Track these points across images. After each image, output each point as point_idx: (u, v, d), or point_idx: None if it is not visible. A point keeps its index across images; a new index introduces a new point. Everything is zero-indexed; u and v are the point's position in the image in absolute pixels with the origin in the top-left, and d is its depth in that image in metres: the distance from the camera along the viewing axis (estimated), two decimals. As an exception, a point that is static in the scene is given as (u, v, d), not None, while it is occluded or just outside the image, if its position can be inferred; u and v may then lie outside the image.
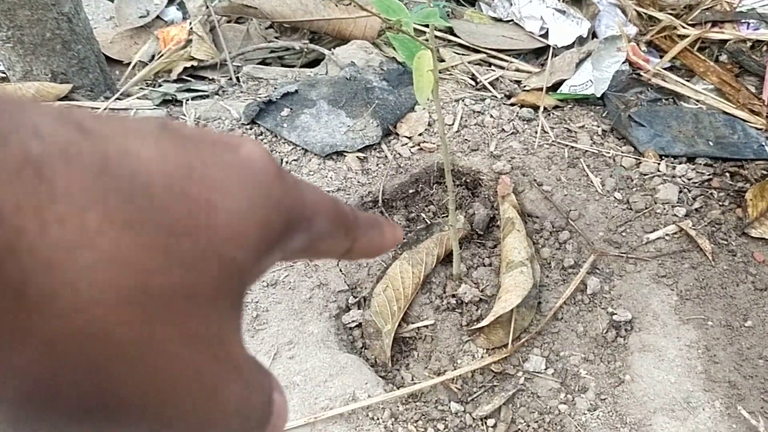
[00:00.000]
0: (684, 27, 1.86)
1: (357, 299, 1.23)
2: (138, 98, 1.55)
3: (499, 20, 1.87)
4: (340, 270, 1.26)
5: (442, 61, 1.71)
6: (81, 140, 0.13)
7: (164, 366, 0.14)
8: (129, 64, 1.81)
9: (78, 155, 0.12)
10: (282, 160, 1.42)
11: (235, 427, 0.17)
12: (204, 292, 0.14)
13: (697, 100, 1.63)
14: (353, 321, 1.20)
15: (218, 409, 0.16)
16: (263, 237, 0.16)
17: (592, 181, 1.38)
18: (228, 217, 0.15)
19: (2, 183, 0.11)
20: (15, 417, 0.12)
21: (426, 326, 1.21)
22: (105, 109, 1.46)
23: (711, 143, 1.47)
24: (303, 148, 1.44)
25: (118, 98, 1.53)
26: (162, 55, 1.77)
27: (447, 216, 1.31)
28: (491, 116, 1.52)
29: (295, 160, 1.43)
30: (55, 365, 0.12)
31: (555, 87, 1.62)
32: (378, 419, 1.05)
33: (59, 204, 0.12)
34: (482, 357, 1.15)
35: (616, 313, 1.18)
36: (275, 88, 1.59)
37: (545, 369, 1.13)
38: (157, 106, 1.52)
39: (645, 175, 1.40)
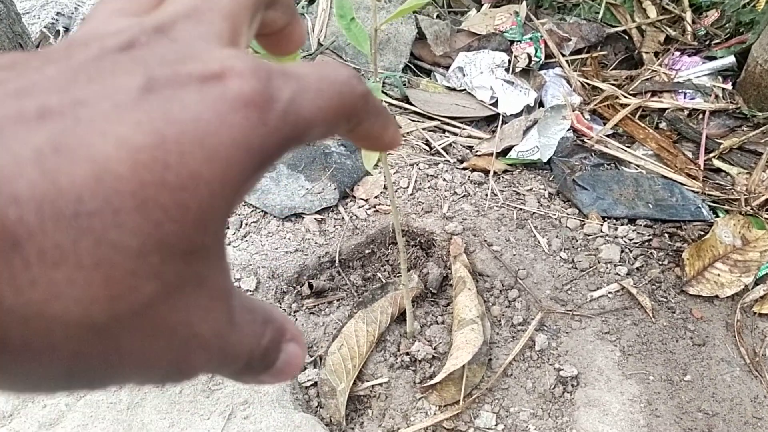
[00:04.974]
0: (625, 96, 1.98)
1: (313, 358, 1.26)
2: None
3: (453, 89, 1.97)
4: (297, 329, 1.29)
5: (399, 127, 1.79)
6: (54, 184, 0.14)
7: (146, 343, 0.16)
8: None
9: (52, 207, 0.14)
10: (242, 222, 1.46)
11: (216, 364, 0.18)
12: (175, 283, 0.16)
13: (638, 165, 1.72)
14: (309, 380, 1.22)
15: (195, 343, 0.17)
16: (243, 189, 0.17)
17: (539, 242, 1.45)
18: (210, 191, 0.16)
19: None
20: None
21: (380, 384, 1.23)
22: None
23: (651, 206, 1.56)
24: (263, 210, 1.49)
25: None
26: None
27: (401, 275, 1.36)
28: (444, 180, 1.59)
29: (254, 221, 1.47)
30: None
31: (504, 152, 1.71)
32: (331, 478, 1.06)
33: (32, 268, 0.14)
34: (435, 414, 1.18)
35: (562, 369, 1.22)
36: (237, 153, 1.64)
37: (496, 425, 1.16)
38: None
39: (589, 235, 1.47)
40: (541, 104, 1.91)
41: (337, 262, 1.42)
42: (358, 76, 0.20)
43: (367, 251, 1.47)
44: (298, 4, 2.17)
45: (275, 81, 0.17)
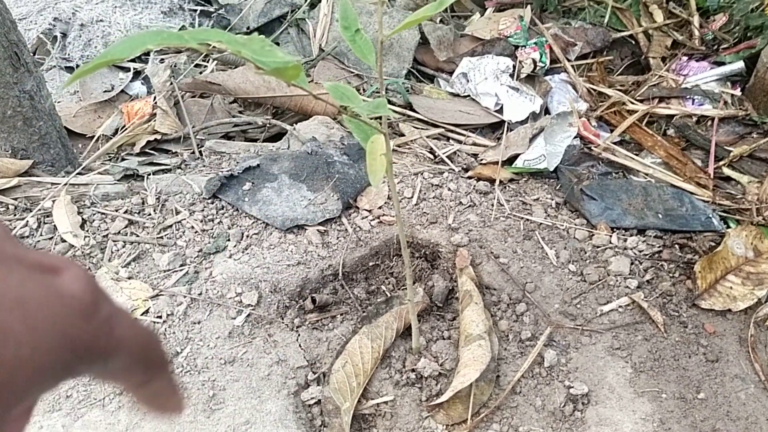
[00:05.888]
0: (632, 103, 1.95)
1: (316, 375, 1.23)
2: (99, 173, 1.55)
3: (457, 96, 1.94)
4: (300, 345, 1.26)
5: (402, 135, 1.76)
6: None
7: None
8: (92, 137, 1.82)
9: None
10: (243, 234, 1.43)
11: None
12: None
13: (646, 174, 1.69)
14: (312, 398, 1.19)
15: None
16: (49, 370, 0.18)
17: (547, 254, 1.42)
18: (17, 352, 0.17)
19: None
20: None
21: (385, 402, 1.20)
22: (65, 184, 1.46)
23: (660, 216, 1.52)
24: (264, 222, 1.45)
25: (79, 173, 1.54)
26: (126, 129, 1.79)
27: (406, 288, 1.32)
28: (449, 189, 1.56)
29: (256, 233, 1.44)
30: None
31: (510, 161, 1.67)
32: (335, 502, 1.03)
33: None
34: (441, 433, 1.15)
35: (572, 386, 1.19)
36: (237, 163, 1.61)
37: (504, 445, 1.13)
38: (118, 180, 1.52)
39: (597, 247, 1.44)
40: (546, 111, 1.88)
41: (340, 275, 1.39)
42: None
43: (371, 264, 1.43)
44: (299, 8, 2.14)
45: (101, 295, 0.20)
